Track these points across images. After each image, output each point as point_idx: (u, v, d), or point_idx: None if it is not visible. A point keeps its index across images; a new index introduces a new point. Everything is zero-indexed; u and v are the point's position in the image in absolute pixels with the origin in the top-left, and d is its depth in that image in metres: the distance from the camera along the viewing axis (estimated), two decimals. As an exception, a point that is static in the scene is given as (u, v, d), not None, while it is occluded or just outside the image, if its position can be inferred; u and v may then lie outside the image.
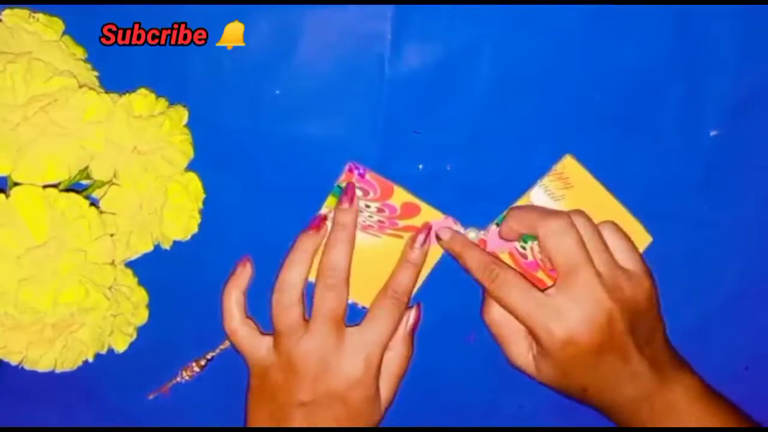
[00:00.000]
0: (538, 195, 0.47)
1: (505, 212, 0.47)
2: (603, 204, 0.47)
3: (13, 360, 0.41)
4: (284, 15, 0.45)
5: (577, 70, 0.46)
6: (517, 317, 0.43)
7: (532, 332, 0.43)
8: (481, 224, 0.48)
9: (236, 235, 0.48)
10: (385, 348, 0.45)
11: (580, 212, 0.44)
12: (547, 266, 0.47)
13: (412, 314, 0.47)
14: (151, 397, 0.49)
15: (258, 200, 0.48)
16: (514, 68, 0.46)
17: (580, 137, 0.47)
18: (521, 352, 0.45)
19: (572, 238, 0.42)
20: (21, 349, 0.40)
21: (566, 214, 0.43)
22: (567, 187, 0.47)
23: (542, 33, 0.46)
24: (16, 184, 0.39)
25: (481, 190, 0.48)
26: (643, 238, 0.48)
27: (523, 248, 0.48)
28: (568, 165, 0.47)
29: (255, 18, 0.45)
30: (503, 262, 0.45)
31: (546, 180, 0.47)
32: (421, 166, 0.47)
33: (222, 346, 0.49)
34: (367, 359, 0.44)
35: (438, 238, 0.47)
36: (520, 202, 0.48)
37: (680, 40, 0.46)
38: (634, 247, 0.45)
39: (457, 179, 0.48)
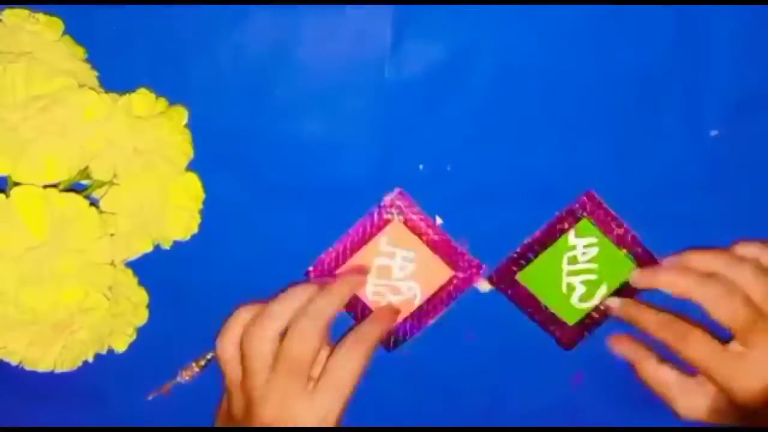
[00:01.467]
0: None
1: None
2: None
3: (13, 360, 0.41)
4: (284, 15, 0.45)
5: (577, 70, 0.46)
6: (708, 374, 0.43)
7: (724, 388, 0.43)
8: (482, 225, 0.48)
9: (236, 235, 0.48)
10: (346, 399, 0.43)
11: (738, 260, 0.44)
12: None
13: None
14: (150, 397, 0.49)
15: (258, 200, 0.48)
16: (514, 68, 0.46)
17: (580, 137, 0.47)
18: (697, 405, 0.45)
19: (738, 298, 0.42)
20: (21, 349, 0.40)
21: (722, 276, 0.43)
22: None
23: (542, 33, 0.46)
24: (16, 184, 0.39)
25: (482, 191, 0.48)
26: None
27: None
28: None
29: (255, 18, 0.45)
30: (680, 317, 0.45)
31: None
32: (421, 167, 0.47)
33: None
34: (323, 421, 0.42)
35: (608, 307, 0.47)
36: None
37: (680, 40, 0.46)
38: None
39: (457, 179, 0.48)
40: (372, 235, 0.47)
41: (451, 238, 0.48)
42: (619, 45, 0.46)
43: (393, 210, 0.47)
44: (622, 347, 0.48)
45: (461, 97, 0.46)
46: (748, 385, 0.42)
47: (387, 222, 0.47)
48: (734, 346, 0.43)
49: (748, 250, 0.45)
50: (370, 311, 0.48)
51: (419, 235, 0.47)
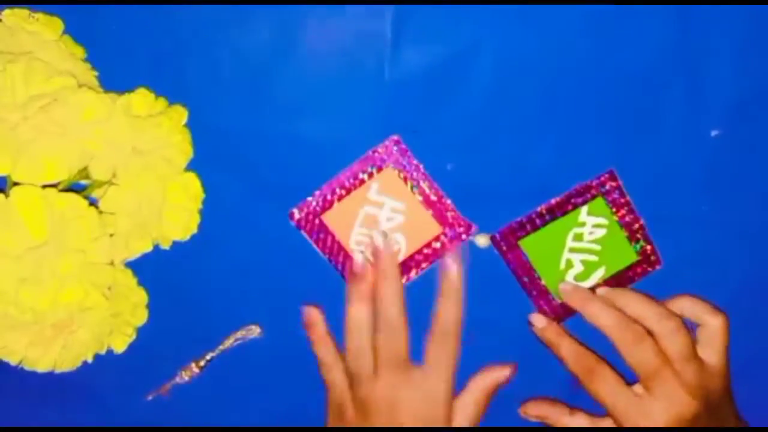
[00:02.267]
0: None
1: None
2: None
3: (13, 360, 0.41)
4: (284, 15, 0.45)
5: (577, 70, 0.46)
6: (608, 410, 0.46)
7: (620, 425, 0.45)
8: (482, 224, 0.48)
9: (236, 235, 0.48)
10: (450, 386, 0.46)
11: (668, 314, 0.46)
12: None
13: (494, 374, 0.48)
14: (150, 398, 0.49)
15: (258, 200, 0.48)
16: (514, 68, 0.46)
17: (581, 137, 0.47)
18: None
19: (649, 347, 0.44)
20: (20, 349, 0.40)
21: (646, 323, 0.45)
22: None
23: (542, 33, 0.46)
24: (15, 184, 0.39)
25: (482, 190, 0.48)
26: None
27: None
28: None
29: (255, 18, 0.45)
30: (597, 355, 0.47)
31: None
32: (421, 166, 0.47)
33: (221, 347, 0.49)
34: (434, 400, 0.46)
35: (532, 325, 0.48)
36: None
37: (680, 40, 0.46)
38: (719, 334, 0.46)
39: (458, 179, 0.47)
40: (362, 182, 0.47)
41: (445, 194, 0.47)
42: (619, 45, 0.46)
43: (387, 157, 0.47)
44: (534, 410, 0.49)
45: (461, 97, 0.46)
46: (639, 425, 0.44)
47: (379, 169, 0.47)
48: (637, 388, 0.45)
49: (682, 305, 0.47)
50: (351, 260, 0.47)
51: (412, 186, 0.47)
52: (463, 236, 0.47)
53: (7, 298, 0.38)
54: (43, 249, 0.38)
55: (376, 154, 0.46)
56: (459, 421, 0.47)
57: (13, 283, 0.37)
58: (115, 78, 0.44)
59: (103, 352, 0.44)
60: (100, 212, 0.41)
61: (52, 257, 0.38)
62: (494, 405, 0.51)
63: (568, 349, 0.47)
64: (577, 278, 0.48)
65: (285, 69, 0.46)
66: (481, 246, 0.48)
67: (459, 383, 0.50)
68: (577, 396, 0.48)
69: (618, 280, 0.48)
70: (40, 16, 0.41)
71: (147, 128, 0.42)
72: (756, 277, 0.50)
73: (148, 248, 0.44)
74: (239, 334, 0.49)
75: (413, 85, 0.46)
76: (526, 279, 0.48)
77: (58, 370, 0.43)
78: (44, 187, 0.39)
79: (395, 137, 0.46)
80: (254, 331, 0.49)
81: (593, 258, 0.48)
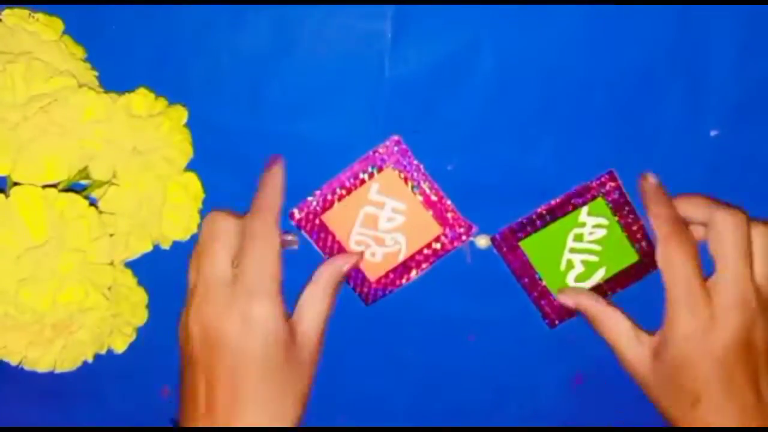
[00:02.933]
0: None
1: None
2: None
3: (13, 360, 0.41)
4: (284, 14, 0.45)
5: (577, 70, 0.46)
6: (673, 282, 0.43)
7: (674, 307, 0.42)
8: (482, 224, 0.48)
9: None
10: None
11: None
12: None
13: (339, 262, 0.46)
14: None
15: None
16: (514, 68, 0.46)
17: (580, 137, 0.47)
18: (643, 354, 0.44)
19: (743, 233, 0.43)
20: (20, 349, 0.40)
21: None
22: None
23: (542, 33, 0.46)
24: (15, 184, 0.39)
25: (482, 190, 0.48)
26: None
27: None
28: None
29: (255, 17, 0.45)
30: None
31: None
32: (421, 166, 0.47)
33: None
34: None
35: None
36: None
37: (680, 40, 0.46)
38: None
39: (458, 179, 0.47)
40: (362, 182, 0.47)
41: (445, 195, 0.47)
42: (619, 45, 0.46)
43: (387, 158, 0.46)
44: (571, 295, 0.47)
45: (461, 97, 0.46)
46: (699, 311, 0.42)
47: (380, 170, 0.47)
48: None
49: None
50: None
51: (412, 187, 0.47)
52: (463, 237, 0.47)
53: (7, 298, 0.38)
54: (42, 249, 0.38)
55: (377, 155, 0.46)
56: (310, 316, 0.44)
57: (12, 283, 0.37)
58: (115, 78, 0.44)
59: (103, 352, 0.44)
60: (100, 212, 0.41)
61: (52, 257, 0.38)
62: (495, 404, 0.51)
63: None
64: (577, 279, 0.48)
65: (285, 68, 0.46)
66: (481, 247, 0.48)
67: (459, 384, 0.50)
68: (577, 395, 0.48)
69: (618, 281, 0.48)
70: (40, 16, 0.41)
71: (147, 128, 0.42)
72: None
73: (148, 248, 0.44)
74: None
75: (413, 85, 0.46)
76: (526, 280, 0.48)
77: (58, 370, 0.43)
78: (44, 187, 0.39)
79: (396, 137, 0.46)
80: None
81: (594, 258, 0.48)
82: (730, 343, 0.41)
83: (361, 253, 0.47)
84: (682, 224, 0.44)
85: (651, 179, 0.46)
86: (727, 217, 0.43)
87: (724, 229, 0.43)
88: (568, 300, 0.47)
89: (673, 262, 0.43)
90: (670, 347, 0.43)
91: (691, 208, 0.45)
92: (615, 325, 0.45)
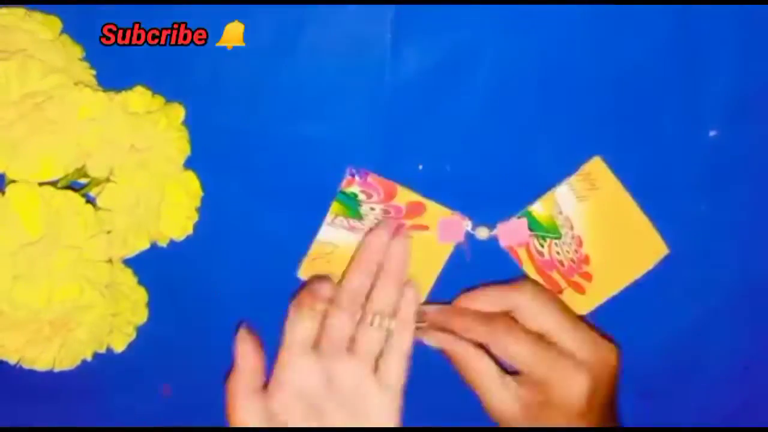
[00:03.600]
0: (563, 193, 0.47)
1: (528, 207, 0.47)
2: (624, 210, 0.47)
3: (11, 359, 0.41)
4: (284, 15, 0.45)
5: (576, 70, 0.46)
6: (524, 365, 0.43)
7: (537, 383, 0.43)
8: (481, 224, 0.48)
9: (236, 235, 0.48)
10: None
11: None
12: (564, 267, 0.47)
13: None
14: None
15: (257, 200, 0.48)
16: (514, 68, 0.46)
17: (580, 137, 0.47)
18: (509, 399, 0.44)
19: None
20: (18, 348, 0.40)
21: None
22: (592, 188, 0.47)
23: (542, 33, 0.46)
24: (11, 181, 0.39)
25: (482, 191, 0.48)
26: (659, 249, 0.48)
27: (541, 245, 0.48)
28: (596, 166, 0.47)
29: (255, 17, 0.45)
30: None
31: (573, 179, 0.47)
32: (421, 167, 0.47)
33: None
34: None
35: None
36: (545, 199, 0.47)
37: (679, 40, 0.46)
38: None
39: (457, 179, 0.48)
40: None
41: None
42: (618, 45, 0.46)
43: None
44: (437, 338, 0.45)
45: (461, 97, 0.46)
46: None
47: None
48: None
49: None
50: None
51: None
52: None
53: (1, 295, 0.38)
54: (38, 245, 0.38)
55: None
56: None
57: (7, 280, 0.37)
58: (113, 77, 0.44)
59: (102, 351, 0.44)
60: (97, 209, 0.41)
61: (48, 254, 0.38)
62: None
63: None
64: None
65: (285, 69, 0.46)
66: (481, 238, 0.48)
67: (459, 384, 0.50)
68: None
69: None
70: (37, 15, 0.42)
71: (144, 126, 0.42)
72: (755, 276, 0.50)
73: (145, 246, 0.44)
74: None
75: (413, 85, 0.46)
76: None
77: (57, 369, 0.43)
78: (41, 184, 0.39)
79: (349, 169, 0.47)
80: None
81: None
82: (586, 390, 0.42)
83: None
84: (496, 320, 0.44)
85: (430, 313, 0.45)
86: (526, 294, 0.44)
87: (532, 305, 0.44)
88: (431, 341, 0.46)
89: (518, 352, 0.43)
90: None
91: (487, 302, 0.45)
92: (481, 369, 0.44)
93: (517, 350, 0.42)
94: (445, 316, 0.45)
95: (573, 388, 0.42)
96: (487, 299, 0.45)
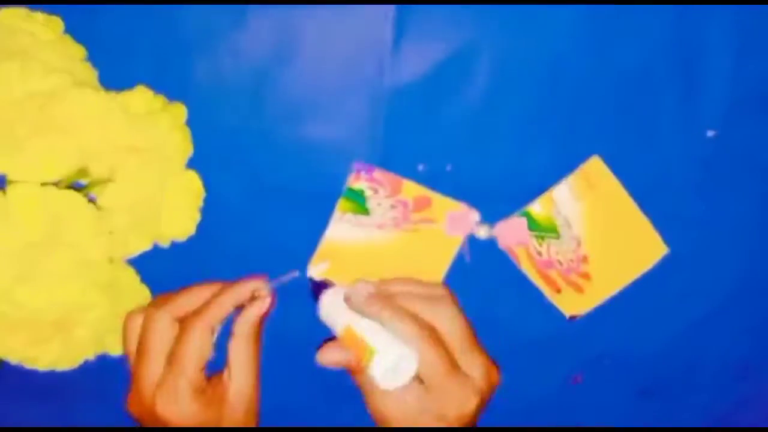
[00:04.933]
0: (562, 193, 0.47)
1: (527, 207, 0.48)
2: (623, 209, 0.48)
3: (12, 359, 0.41)
4: (284, 15, 0.45)
5: (576, 70, 0.46)
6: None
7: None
8: (483, 223, 0.48)
9: (236, 236, 0.49)
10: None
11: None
12: (563, 267, 0.47)
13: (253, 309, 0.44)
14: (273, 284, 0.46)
15: (258, 201, 0.48)
16: (514, 69, 0.46)
17: (579, 137, 0.47)
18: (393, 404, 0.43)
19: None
20: (20, 347, 0.40)
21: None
22: (591, 188, 0.47)
23: (542, 33, 0.46)
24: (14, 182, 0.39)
25: (481, 191, 0.48)
26: (658, 249, 0.48)
27: (540, 245, 0.48)
28: (594, 166, 0.47)
29: (255, 18, 0.45)
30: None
31: (572, 179, 0.47)
32: (421, 167, 0.47)
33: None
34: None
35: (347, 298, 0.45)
36: (544, 198, 0.48)
37: (679, 40, 0.46)
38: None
39: (457, 180, 0.48)
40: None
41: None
42: (618, 45, 0.46)
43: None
44: (331, 356, 0.44)
45: (461, 98, 0.47)
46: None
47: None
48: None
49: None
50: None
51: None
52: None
53: (2, 295, 0.38)
54: (39, 246, 0.38)
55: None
56: (238, 372, 0.43)
57: (8, 280, 0.37)
58: (115, 78, 0.44)
59: (104, 350, 0.44)
60: (99, 209, 0.41)
61: (49, 254, 0.38)
62: (494, 404, 0.51)
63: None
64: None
65: (285, 69, 0.46)
66: (482, 237, 0.48)
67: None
68: (577, 395, 0.48)
69: None
70: (39, 15, 0.42)
71: (146, 126, 0.42)
72: (753, 276, 0.50)
73: (147, 246, 0.44)
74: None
75: (413, 85, 0.46)
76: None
77: (58, 369, 0.43)
78: (42, 185, 0.39)
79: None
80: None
81: None
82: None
83: (271, 294, 0.45)
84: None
85: (354, 296, 0.44)
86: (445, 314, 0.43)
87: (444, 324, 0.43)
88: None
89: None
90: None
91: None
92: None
93: (430, 360, 0.42)
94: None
95: (468, 407, 0.42)
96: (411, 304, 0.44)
